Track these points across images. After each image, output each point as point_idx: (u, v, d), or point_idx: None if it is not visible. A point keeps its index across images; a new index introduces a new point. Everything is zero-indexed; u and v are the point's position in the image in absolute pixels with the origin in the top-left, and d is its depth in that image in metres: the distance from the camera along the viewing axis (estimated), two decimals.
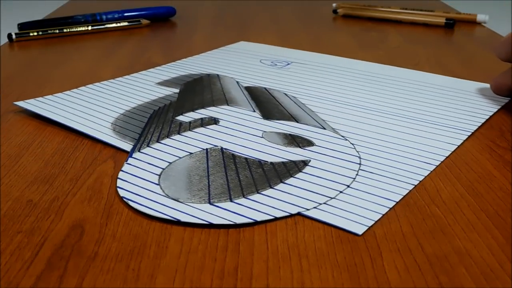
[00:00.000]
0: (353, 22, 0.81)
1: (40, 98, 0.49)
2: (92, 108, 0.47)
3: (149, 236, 0.30)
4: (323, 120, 0.43)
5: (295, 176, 0.35)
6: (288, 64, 0.58)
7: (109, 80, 0.54)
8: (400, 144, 0.40)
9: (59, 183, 0.36)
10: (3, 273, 0.27)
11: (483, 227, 0.31)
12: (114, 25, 0.75)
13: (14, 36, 0.69)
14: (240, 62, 0.59)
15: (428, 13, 0.79)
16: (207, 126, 0.43)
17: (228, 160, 0.37)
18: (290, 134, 0.41)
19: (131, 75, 0.56)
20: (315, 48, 0.67)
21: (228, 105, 0.46)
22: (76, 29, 0.72)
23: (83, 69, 0.59)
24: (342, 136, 0.41)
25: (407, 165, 0.37)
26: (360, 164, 0.37)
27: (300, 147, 0.39)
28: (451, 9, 0.88)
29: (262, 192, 0.33)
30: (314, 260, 0.28)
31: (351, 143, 0.40)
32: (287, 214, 0.31)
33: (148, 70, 0.57)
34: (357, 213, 0.31)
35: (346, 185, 0.34)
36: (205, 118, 0.44)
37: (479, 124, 0.44)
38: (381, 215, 0.31)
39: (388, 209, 0.32)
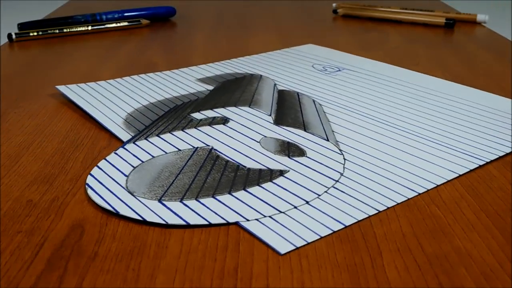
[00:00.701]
0: (353, 22, 0.81)
1: (81, 84, 0.52)
2: (125, 100, 0.49)
3: (149, 236, 0.30)
4: (332, 132, 0.42)
5: (261, 185, 0.34)
6: (339, 70, 0.56)
7: (155, 73, 0.56)
8: (395, 166, 0.37)
9: (59, 183, 0.36)
10: (3, 273, 0.27)
11: (483, 227, 0.31)
12: (114, 25, 0.75)
13: (14, 36, 0.69)
14: (293, 65, 0.58)
15: (428, 13, 0.79)
16: (214, 126, 0.43)
17: (209, 161, 0.37)
18: (287, 142, 0.40)
19: (180, 69, 0.57)
20: None
21: (249, 106, 0.46)
22: (76, 29, 0.72)
23: (83, 69, 0.59)
24: (340, 150, 0.39)
25: (386, 188, 0.34)
26: (336, 181, 0.35)
27: (288, 156, 0.38)
28: (451, 9, 0.88)
29: (217, 197, 0.33)
30: (314, 260, 0.28)
31: (343, 158, 0.38)
32: (224, 222, 0.31)
33: (199, 66, 0.58)
34: (294, 232, 0.30)
35: (305, 201, 0.33)
36: (216, 117, 0.44)
37: (499, 155, 0.39)
38: (318, 237, 0.30)
39: (330, 231, 0.30)
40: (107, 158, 0.38)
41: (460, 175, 0.36)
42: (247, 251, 0.29)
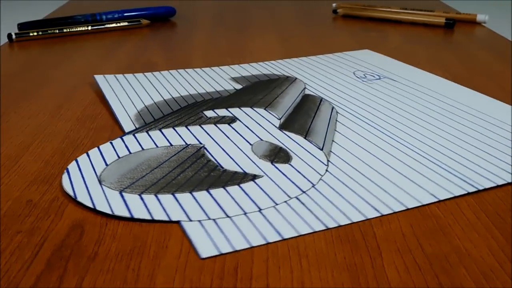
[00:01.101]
0: (353, 22, 0.81)
1: (118, 75, 0.55)
2: (152, 92, 0.51)
3: (149, 236, 0.30)
4: (332, 141, 0.40)
5: (227, 187, 0.34)
6: (378, 79, 0.54)
7: (194, 68, 0.58)
8: (385, 178, 0.35)
9: (59, 183, 0.36)
10: (3, 273, 0.27)
11: (483, 227, 0.31)
12: (114, 25, 0.75)
13: (14, 36, 0.69)
14: (335, 71, 0.57)
15: (428, 13, 0.79)
16: (218, 125, 0.43)
17: (191, 159, 0.38)
18: (279, 147, 0.40)
19: (220, 67, 0.58)
20: (315, 48, 0.67)
21: (264, 109, 0.46)
22: (76, 29, 0.72)
23: (83, 69, 0.59)
24: (328, 161, 0.37)
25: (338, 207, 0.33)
26: (303, 192, 0.34)
27: (271, 162, 0.37)
28: (451, 9, 0.88)
29: (176, 194, 0.33)
30: (314, 260, 0.28)
31: (326, 170, 0.36)
32: (167, 219, 0.31)
33: (240, 65, 0.59)
34: (228, 238, 0.30)
35: (259, 208, 0.32)
36: (225, 117, 0.45)
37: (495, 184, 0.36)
38: (248, 246, 0.29)
39: (263, 242, 0.29)
40: (100, 146, 0.39)
41: (453, 197, 0.35)
42: (247, 251, 0.29)
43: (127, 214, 0.32)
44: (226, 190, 0.34)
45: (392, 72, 0.56)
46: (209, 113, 0.45)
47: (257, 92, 0.50)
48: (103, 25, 0.74)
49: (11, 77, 0.57)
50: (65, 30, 0.72)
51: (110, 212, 0.32)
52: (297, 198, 0.33)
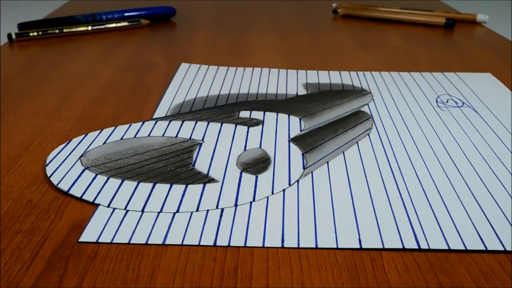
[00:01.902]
0: (353, 22, 0.81)
1: (203, 66, 0.58)
2: (214, 87, 0.53)
3: None
4: (327, 163, 0.38)
5: (174, 184, 0.35)
6: (460, 106, 0.48)
7: (271, 68, 0.58)
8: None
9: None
10: (3, 273, 0.27)
11: None
12: (114, 25, 0.75)
13: (14, 36, 0.69)
14: (420, 91, 0.52)
15: (428, 13, 0.79)
16: (239, 125, 0.44)
17: (177, 152, 0.39)
18: (266, 158, 0.39)
19: (300, 70, 0.58)
20: (315, 48, 0.67)
21: (300, 118, 0.45)
22: (76, 29, 0.72)
23: (83, 69, 0.59)
24: (297, 181, 0.36)
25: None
26: (254, 200, 0.34)
27: (242, 170, 0.37)
28: (451, 9, 0.88)
29: (124, 180, 0.35)
30: (314, 260, 0.28)
31: (287, 185, 0.35)
32: (90, 200, 0.33)
33: (321, 71, 0.57)
34: (121, 229, 0.31)
35: (176, 210, 0.32)
36: (254, 119, 0.45)
37: None
38: (160, 243, 0.29)
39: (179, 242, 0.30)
40: (106, 129, 0.43)
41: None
42: (247, 251, 0.29)
43: (65, 188, 0.35)
44: (170, 186, 0.35)
45: (485, 101, 0.49)
46: (244, 114, 0.46)
47: (314, 101, 0.49)
48: (103, 25, 0.74)
49: (11, 77, 0.57)
50: (65, 30, 0.72)
51: (55, 182, 0.35)
52: (221, 210, 0.33)
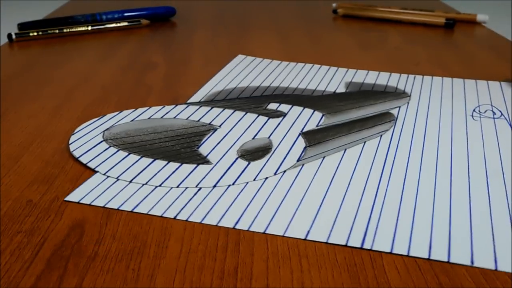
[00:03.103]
0: (353, 22, 0.81)
1: (258, 59, 0.60)
2: (258, 78, 0.54)
3: (149, 236, 0.30)
4: (322, 159, 0.38)
5: (171, 161, 0.38)
6: (496, 118, 0.45)
7: (306, 63, 0.59)
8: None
9: (59, 183, 0.36)
10: (3, 273, 0.27)
11: None
12: (114, 25, 0.75)
13: (14, 36, 0.69)
14: (461, 97, 0.50)
15: (428, 13, 0.79)
16: (262, 115, 0.45)
17: (191, 135, 0.42)
18: (267, 147, 0.40)
19: (349, 69, 0.58)
20: (315, 48, 0.67)
21: (324, 114, 0.45)
22: (76, 29, 0.72)
23: (83, 69, 0.59)
24: (284, 172, 0.37)
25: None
26: (233, 184, 0.35)
27: (238, 156, 0.38)
28: (451, 9, 0.88)
29: (130, 154, 0.39)
30: (314, 260, 0.28)
31: (265, 178, 0.36)
32: (92, 167, 0.37)
33: (369, 71, 0.57)
34: (108, 196, 0.34)
35: (159, 184, 0.35)
36: (278, 111, 0.46)
37: None
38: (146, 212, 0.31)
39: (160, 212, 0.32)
40: (140, 109, 0.47)
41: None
42: (247, 251, 0.29)
43: (76, 155, 0.39)
44: (167, 163, 0.37)
45: None
46: (272, 106, 0.47)
47: (346, 99, 0.48)
48: (103, 25, 0.74)
49: (11, 77, 0.57)
50: (65, 30, 0.72)
51: (75, 147, 0.40)
52: (199, 189, 0.35)
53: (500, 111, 0.46)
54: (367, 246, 0.29)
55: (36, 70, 0.59)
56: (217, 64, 0.60)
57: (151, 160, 0.38)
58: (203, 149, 0.40)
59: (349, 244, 0.29)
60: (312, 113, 0.46)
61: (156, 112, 0.46)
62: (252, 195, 0.34)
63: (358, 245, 0.29)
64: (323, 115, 0.45)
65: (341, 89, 0.52)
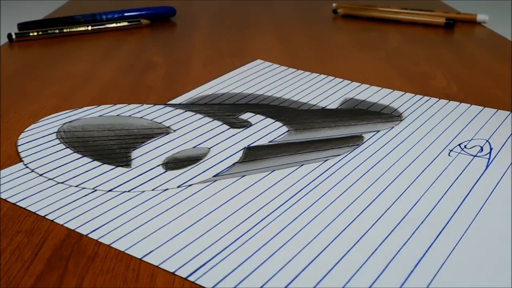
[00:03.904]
0: (353, 22, 0.81)
1: (275, 65, 0.59)
2: (262, 87, 0.53)
3: None
4: (243, 176, 0.36)
5: (93, 160, 0.38)
6: (487, 153, 0.40)
7: (321, 75, 0.56)
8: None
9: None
10: (3, 273, 0.27)
11: None
12: (114, 25, 0.75)
13: (14, 36, 0.69)
14: (457, 126, 0.44)
15: (428, 13, 0.79)
16: (224, 123, 0.44)
17: (143, 136, 0.42)
18: (192, 158, 0.39)
19: (363, 85, 0.53)
20: (315, 48, 0.67)
21: (289, 131, 0.43)
22: (76, 29, 0.72)
23: (83, 69, 0.59)
24: (179, 186, 0.35)
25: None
26: (111, 190, 0.35)
27: (161, 164, 0.38)
28: (451, 9, 0.88)
29: (75, 153, 0.39)
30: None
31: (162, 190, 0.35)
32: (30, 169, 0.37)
33: (386, 89, 0.52)
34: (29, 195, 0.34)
35: (71, 185, 0.35)
36: (246, 121, 0.44)
37: None
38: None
39: None
40: (128, 105, 0.48)
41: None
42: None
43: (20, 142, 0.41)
44: (90, 161, 0.38)
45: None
46: (247, 115, 0.46)
47: (328, 116, 0.45)
48: (103, 25, 0.74)
49: (11, 77, 0.57)
50: (65, 30, 0.72)
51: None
52: (94, 190, 0.35)
53: (491, 149, 0.40)
54: (192, 278, 0.27)
55: (36, 70, 0.59)
56: (217, 64, 0.60)
57: (78, 156, 0.39)
58: (136, 152, 0.39)
59: (176, 273, 0.27)
60: (277, 128, 0.43)
61: (131, 110, 0.47)
62: (129, 207, 0.33)
63: (184, 276, 0.27)
64: (287, 131, 0.43)
65: (334, 105, 0.48)
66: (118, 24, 0.75)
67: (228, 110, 0.46)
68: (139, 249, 0.29)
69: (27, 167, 0.37)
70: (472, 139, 0.42)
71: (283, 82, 0.54)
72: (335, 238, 0.30)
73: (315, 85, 0.54)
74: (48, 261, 0.28)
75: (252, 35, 0.73)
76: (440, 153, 0.40)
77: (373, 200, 0.34)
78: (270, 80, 0.55)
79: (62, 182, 0.35)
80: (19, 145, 0.40)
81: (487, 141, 0.41)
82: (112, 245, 0.29)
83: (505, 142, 0.41)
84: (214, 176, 0.36)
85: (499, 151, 0.40)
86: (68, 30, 0.72)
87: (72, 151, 0.40)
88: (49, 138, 0.42)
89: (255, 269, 0.27)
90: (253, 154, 0.39)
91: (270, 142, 0.41)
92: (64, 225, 0.31)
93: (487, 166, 0.38)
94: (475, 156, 0.39)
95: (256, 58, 0.63)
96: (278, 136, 0.42)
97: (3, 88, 0.53)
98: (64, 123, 0.44)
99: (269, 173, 0.37)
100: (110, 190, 0.35)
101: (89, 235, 0.30)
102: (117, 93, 0.52)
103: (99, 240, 0.30)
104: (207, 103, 0.48)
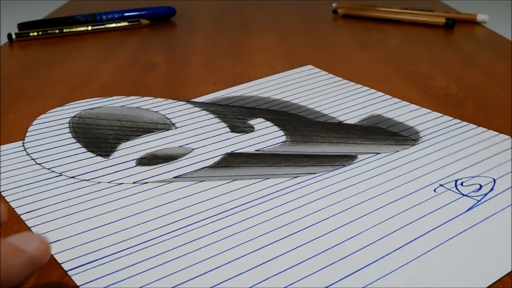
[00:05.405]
0: (353, 22, 0.81)
1: (321, 72, 0.56)
2: (289, 94, 0.51)
3: None
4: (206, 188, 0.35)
5: (86, 148, 0.40)
6: (486, 194, 0.34)
7: (364, 87, 0.52)
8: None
9: None
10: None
11: None
12: (114, 25, 0.75)
13: (14, 36, 0.69)
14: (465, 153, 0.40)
15: (428, 13, 0.79)
16: (231, 125, 0.44)
17: (145, 130, 0.42)
18: (173, 158, 0.39)
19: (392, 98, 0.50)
20: (315, 48, 0.67)
21: (286, 141, 0.41)
22: (76, 29, 0.72)
23: (83, 69, 0.59)
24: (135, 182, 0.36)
25: None
26: (87, 180, 0.36)
27: (139, 159, 0.39)
28: (451, 9, 0.88)
29: (77, 143, 0.41)
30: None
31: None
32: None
33: (425, 109, 0.47)
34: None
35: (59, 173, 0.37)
36: (252, 126, 0.43)
37: None
38: None
39: None
40: (149, 99, 0.49)
41: None
42: None
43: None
44: (78, 147, 0.40)
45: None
46: (256, 120, 0.45)
47: (336, 131, 0.42)
48: (103, 25, 0.74)
49: (11, 77, 0.57)
50: (65, 30, 0.72)
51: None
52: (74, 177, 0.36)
53: (491, 189, 0.35)
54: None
55: (36, 70, 0.59)
56: (217, 64, 0.60)
57: (71, 142, 0.41)
58: (125, 144, 0.41)
59: (62, 265, 0.28)
60: (276, 137, 0.42)
61: (153, 103, 0.48)
62: (72, 195, 0.34)
63: (66, 269, 0.28)
64: (282, 142, 0.41)
65: (356, 120, 0.45)
66: (118, 24, 0.75)
67: (242, 114, 0.46)
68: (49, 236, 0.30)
69: (23, 146, 0.40)
70: (476, 176, 0.36)
71: (319, 91, 0.52)
72: (243, 256, 0.29)
73: (351, 96, 0.50)
74: (48, 261, 0.28)
75: (252, 35, 0.73)
76: (424, 188, 0.35)
77: (308, 226, 0.31)
78: (307, 87, 0.53)
79: (39, 164, 0.38)
80: (33, 124, 0.44)
81: (494, 180, 0.36)
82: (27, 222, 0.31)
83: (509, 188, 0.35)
84: (174, 177, 0.36)
85: (496, 195, 0.34)
86: (68, 30, 0.72)
87: (70, 137, 0.42)
88: (65, 121, 0.45)
89: (133, 275, 0.27)
90: (229, 161, 0.38)
91: (256, 150, 0.40)
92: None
93: (469, 208, 0.33)
94: (464, 195, 0.34)
95: (256, 58, 0.63)
96: (271, 146, 0.40)
97: (3, 88, 0.53)
98: (85, 109, 0.46)
99: (228, 182, 0.36)
100: (72, 177, 0.36)
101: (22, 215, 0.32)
102: (117, 93, 0.52)
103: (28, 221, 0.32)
104: (228, 104, 0.47)
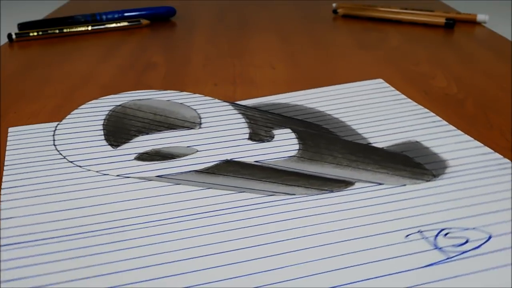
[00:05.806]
0: (353, 22, 0.81)
1: (390, 89, 0.52)
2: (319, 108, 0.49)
3: None
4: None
5: (109, 141, 0.41)
6: (465, 252, 0.29)
7: (427, 111, 0.47)
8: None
9: None
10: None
11: None
12: (114, 25, 0.75)
13: (14, 36, 0.69)
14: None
15: (428, 13, 0.79)
16: (252, 132, 0.42)
17: (170, 126, 0.43)
18: (167, 154, 0.39)
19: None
20: (315, 48, 0.67)
21: (296, 156, 0.39)
22: (76, 29, 0.72)
23: (83, 69, 0.59)
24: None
25: None
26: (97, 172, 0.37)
27: (140, 154, 0.39)
28: (451, 9, 0.88)
29: (104, 130, 0.43)
30: None
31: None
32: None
33: (475, 142, 0.41)
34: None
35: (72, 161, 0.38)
36: (273, 135, 0.42)
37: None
38: None
39: None
40: (189, 94, 0.50)
41: None
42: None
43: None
44: (99, 135, 0.42)
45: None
46: (283, 130, 0.42)
47: (355, 153, 0.39)
48: (103, 25, 0.74)
49: (11, 77, 0.57)
50: (65, 30, 0.72)
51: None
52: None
53: (477, 247, 0.29)
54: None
55: (36, 70, 0.59)
56: (217, 64, 0.60)
57: (97, 129, 0.43)
58: (140, 138, 0.41)
59: None
60: (287, 150, 0.40)
61: (199, 101, 0.49)
62: (55, 179, 0.36)
63: None
64: (289, 156, 0.39)
65: (391, 143, 0.41)
66: (118, 24, 0.75)
67: (274, 122, 0.44)
68: (7, 222, 0.31)
69: (54, 131, 0.43)
70: (471, 229, 0.31)
71: (369, 108, 0.47)
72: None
73: (401, 118, 0.45)
74: None
75: (252, 35, 0.73)
76: (396, 231, 0.31)
77: (254, 246, 0.29)
78: (358, 103, 0.48)
79: (56, 148, 0.40)
80: (80, 108, 0.47)
81: (490, 236, 0.30)
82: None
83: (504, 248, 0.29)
84: (157, 176, 0.36)
85: (478, 255, 0.29)
86: (68, 30, 0.72)
87: (101, 124, 0.43)
88: (106, 110, 0.47)
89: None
90: (221, 168, 0.37)
91: (255, 161, 0.38)
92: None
93: (429, 265, 0.28)
94: (436, 248, 0.29)
95: (256, 58, 0.63)
96: (273, 159, 0.38)
97: (3, 88, 0.53)
98: (132, 100, 0.48)
99: (201, 189, 0.35)
100: (71, 161, 0.38)
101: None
102: (117, 93, 0.52)
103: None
104: (267, 111, 0.46)
